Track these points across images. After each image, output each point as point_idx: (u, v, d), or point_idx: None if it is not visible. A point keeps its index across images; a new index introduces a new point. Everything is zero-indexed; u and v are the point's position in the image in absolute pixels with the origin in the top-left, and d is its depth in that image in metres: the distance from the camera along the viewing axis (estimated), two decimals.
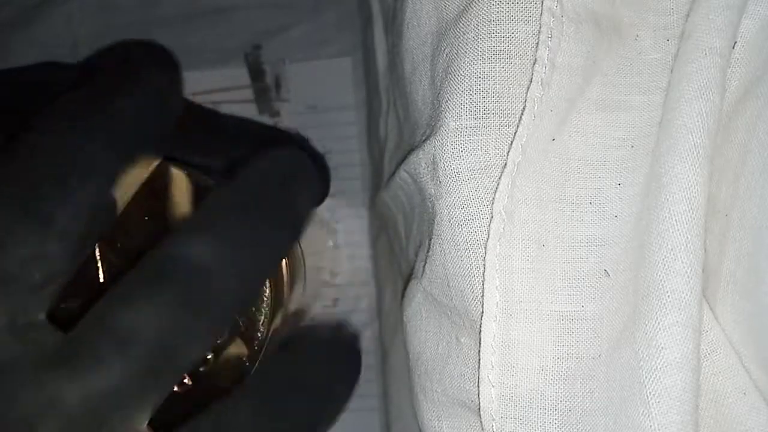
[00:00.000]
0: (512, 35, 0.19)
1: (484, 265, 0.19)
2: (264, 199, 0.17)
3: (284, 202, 0.17)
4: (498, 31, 0.19)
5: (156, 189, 0.20)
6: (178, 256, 0.16)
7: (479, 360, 0.19)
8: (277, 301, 0.22)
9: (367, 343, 0.35)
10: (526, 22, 0.19)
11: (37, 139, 0.16)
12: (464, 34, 0.19)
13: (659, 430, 0.19)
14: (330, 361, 0.19)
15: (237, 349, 0.21)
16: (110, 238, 0.20)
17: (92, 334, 0.15)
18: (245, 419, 0.16)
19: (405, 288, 0.23)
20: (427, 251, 0.21)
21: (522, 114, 0.19)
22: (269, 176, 0.17)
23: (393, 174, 0.24)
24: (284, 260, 0.22)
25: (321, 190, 0.24)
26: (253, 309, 0.21)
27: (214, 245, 0.16)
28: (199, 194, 0.21)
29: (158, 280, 0.15)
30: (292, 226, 0.17)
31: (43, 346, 0.15)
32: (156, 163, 0.19)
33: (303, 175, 0.18)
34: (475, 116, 0.19)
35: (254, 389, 0.17)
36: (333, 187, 0.33)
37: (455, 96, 0.19)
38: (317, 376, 0.18)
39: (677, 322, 0.19)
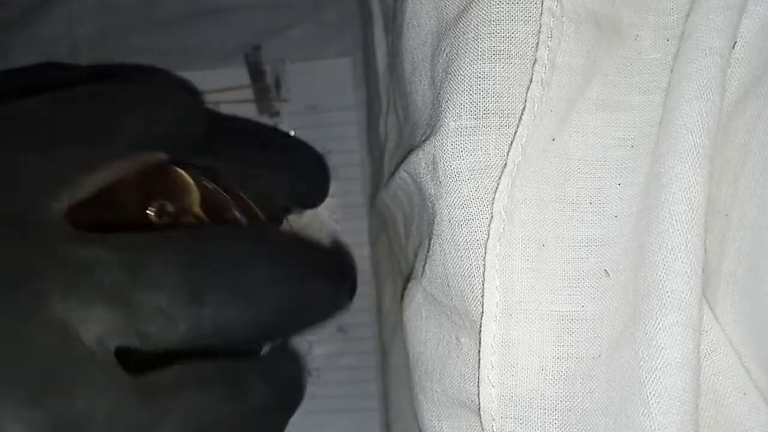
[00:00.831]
0: (512, 35, 0.19)
1: (484, 265, 0.19)
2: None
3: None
4: (498, 31, 0.19)
5: (160, 187, 0.20)
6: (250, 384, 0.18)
7: (479, 360, 0.19)
8: None
9: (367, 343, 0.35)
10: (526, 22, 0.19)
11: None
12: (464, 34, 0.19)
13: (659, 430, 0.19)
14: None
15: None
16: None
17: (168, 387, 0.16)
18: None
19: (405, 288, 0.23)
20: (427, 251, 0.21)
21: (522, 114, 0.19)
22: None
23: (393, 174, 0.24)
24: None
25: (321, 190, 0.24)
26: None
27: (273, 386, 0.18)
28: (205, 197, 0.21)
29: (235, 389, 0.17)
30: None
31: (112, 369, 0.15)
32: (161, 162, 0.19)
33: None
34: (475, 116, 0.19)
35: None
36: (333, 187, 0.33)
37: (455, 96, 0.19)
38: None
39: (677, 322, 0.19)
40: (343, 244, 0.35)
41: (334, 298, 0.19)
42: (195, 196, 0.21)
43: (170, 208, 0.21)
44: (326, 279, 0.19)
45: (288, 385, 0.19)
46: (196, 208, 0.21)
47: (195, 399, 0.16)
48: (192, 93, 0.20)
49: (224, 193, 0.21)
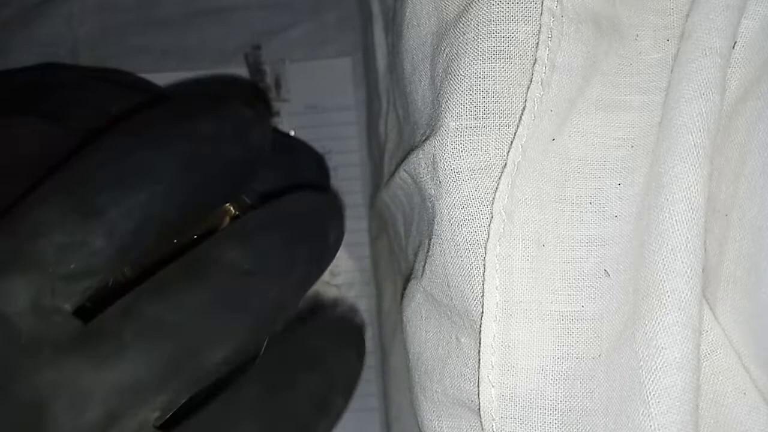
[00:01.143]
0: (512, 35, 0.19)
1: (484, 265, 0.19)
2: (300, 222, 0.17)
3: (318, 230, 0.18)
4: (498, 31, 0.19)
5: None
6: (217, 257, 0.16)
7: (479, 360, 0.19)
8: None
9: (367, 343, 0.35)
10: (526, 22, 0.19)
11: (106, 143, 0.17)
12: (464, 34, 0.19)
13: (659, 430, 0.19)
14: (339, 336, 0.19)
15: None
16: None
17: (116, 323, 0.15)
18: (257, 394, 0.16)
19: (405, 288, 0.23)
20: (427, 251, 0.21)
21: (522, 114, 0.19)
22: (306, 207, 0.18)
23: (393, 174, 0.24)
24: None
25: (321, 190, 0.24)
26: None
27: (253, 252, 0.16)
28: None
29: (194, 276, 0.16)
30: (323, 254, 0.18)
31: (64, 331, 0.15)
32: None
33: (334, 214, 0.19)
34: (475, 116, 0.19)
35: (264, 365, 0.17)
36: (333, 187, 0.33)
37: (455, 96, 0.19)
38: (328, 351, 0.18)
39: (677, 322, 0.19)
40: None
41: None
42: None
43: None
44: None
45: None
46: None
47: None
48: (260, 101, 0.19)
49: None
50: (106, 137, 0.17)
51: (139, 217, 0.16)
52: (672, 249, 0.19)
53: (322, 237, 0.18)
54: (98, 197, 0.15)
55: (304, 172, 0.25)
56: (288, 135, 0.34)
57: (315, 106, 0.35)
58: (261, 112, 0.18)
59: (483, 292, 0.19)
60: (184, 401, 0.16)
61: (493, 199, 0.19)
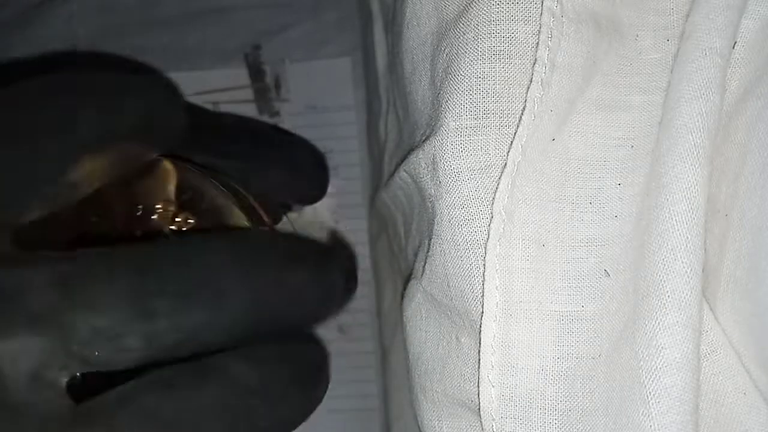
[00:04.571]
0: (512, 35, 0.19)
1: (484, 265, 0.19)
2: (301, 374, 0.17)
3: (313, 381, 0.18)
4: (498, 31, 0.19)
5: (143, 178, 0.20)
6: (225, 369, 0.16)
7: (479, 360, 0.19)
8: None
9: (367, 343, 0.35)
10: (526, 22, 0.19)
11: (199, 245, 0.16)
12: (464, 34, 0.19)
13: (659, 430, 0.19)
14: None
15: None
16: (84, 213, 0.19)
17: (109, 410, 0.14)
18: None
19: (405, 288, 0.23)
20: (427, 251, 0.21)
21: (522, 114, 0.19)
22: (308, 362, 0.18)
23: (393, 174, 0.24)
24: None
25: (320, 187, 0.24)
26: None
27: (258, 369, 0.16)
28: (204, 197, 0.21)
29: (201, 379, 0.15)
30: (312, 405, 0.18)
31: (53, 408, 0.14)
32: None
33: (323, 371, 0.19)
34: (475, 116, 0.19)
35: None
36: (333, 187, 0.33)
37: (455, 96, 0.19)
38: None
39: (677, 322, 0.19)
40: (340, 236, 0.34)
41: (323, 289, 0.18)
42: (195, 195, 0.20)
43: (164, 209, 0.20)
44: (311, 269, 0.17)
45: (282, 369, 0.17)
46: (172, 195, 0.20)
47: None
48: (168, 84, 0.18)
49: (225, 191, 0.21)
50: (204, 239, 0.17)
51: (184, 337, 0.15)
52: (672, 249, 0.19)
53: (314, 387, 0.18)
54: (158, 300, 0.15)
55: (302, 168, 0.25)
56: (285, 131, 0.34)
57: (315, 106, 0.35)
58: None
59: (483, 292, 0.19)
60: None
61: (493, 199, 0.19)
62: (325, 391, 0.18)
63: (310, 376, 0.18)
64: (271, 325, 0.17)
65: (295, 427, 0.17)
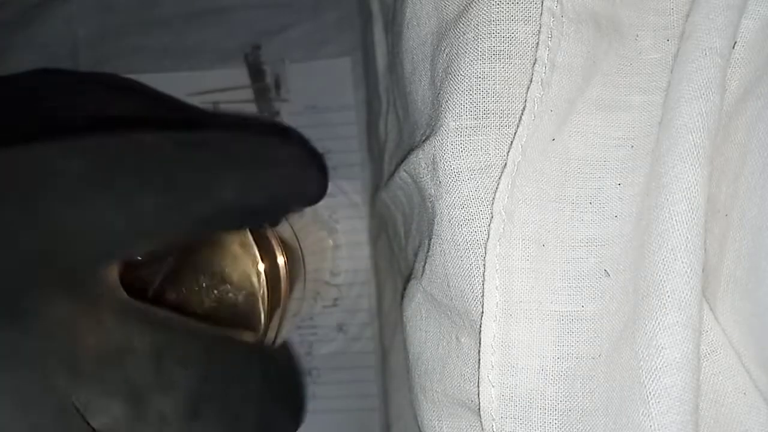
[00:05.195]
0: (512, 35, 0.19)
1: (484, 265, 0.19)
2: None
3: None
4: (498, 31, 0.19)
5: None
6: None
7: (479, 360, 0.19)
8: (277, 301, 0.22)
9: (367, 343, 0.35)
10: (526, 22, 0.19)
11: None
12: (464, 34, 0.19)
13: (659, 430, 0.19)
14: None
15: None
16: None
17: None
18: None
19: (405, 288, 0.23)
20: (427, 251, 0.21)
21: (522, 114, 0.19)
22: None
23: (393, 174, 0.24)
24: (284, 260, 0.22)
25: (320, 187, 0.24)
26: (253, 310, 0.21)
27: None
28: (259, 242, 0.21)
29: None
30: None
31: None
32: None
33: None
34: (475, 116, 0.19)
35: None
36: (333, 187, 0.33)
37: (455, 96, 0.19)
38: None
39: (677, 322, 0.19)
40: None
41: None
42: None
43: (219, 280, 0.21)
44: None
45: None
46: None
47: None
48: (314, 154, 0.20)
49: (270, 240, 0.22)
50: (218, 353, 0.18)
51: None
52: (672, 249, 0.19)
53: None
54: (206, 407, 0.16)
55: (302, 168, 0.25)
56: (285, 129, 0.34)
57: (315, 106, 0.35)
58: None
59: (483, 292, 0.19)
60: None
61: (493, 199, 0.19)
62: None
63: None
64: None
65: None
